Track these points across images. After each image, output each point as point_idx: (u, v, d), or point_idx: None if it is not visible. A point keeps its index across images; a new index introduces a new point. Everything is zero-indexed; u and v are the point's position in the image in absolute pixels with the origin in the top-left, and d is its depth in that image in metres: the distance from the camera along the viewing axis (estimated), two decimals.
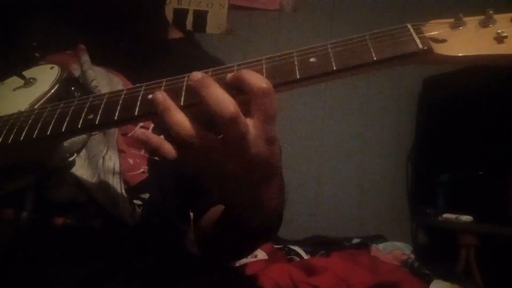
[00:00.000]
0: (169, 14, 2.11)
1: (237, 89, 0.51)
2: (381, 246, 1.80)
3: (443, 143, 1.95)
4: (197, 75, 0.52)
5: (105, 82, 0.79)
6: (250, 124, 0.50)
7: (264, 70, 0.53)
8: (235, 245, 0.75)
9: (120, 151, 0.74)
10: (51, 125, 0.58)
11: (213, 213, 0.77)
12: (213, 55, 0.99)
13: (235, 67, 0.54)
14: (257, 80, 0.50)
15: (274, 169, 0.56)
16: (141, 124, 0.77)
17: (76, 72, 0.79)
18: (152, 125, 0.78)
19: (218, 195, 0.63)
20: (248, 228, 0.63)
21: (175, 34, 0.98)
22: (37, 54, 0.83)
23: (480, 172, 1.77)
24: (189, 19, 2.18)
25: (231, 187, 0.56)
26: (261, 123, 0.50)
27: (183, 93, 0.54)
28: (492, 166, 1.74)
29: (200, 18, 2.19)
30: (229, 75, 0.51)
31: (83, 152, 0.72)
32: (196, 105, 0.53)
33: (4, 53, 0.83)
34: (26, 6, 0.90)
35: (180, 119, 0.50)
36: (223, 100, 0.49)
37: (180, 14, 2.17)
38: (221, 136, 0.50)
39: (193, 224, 0.85)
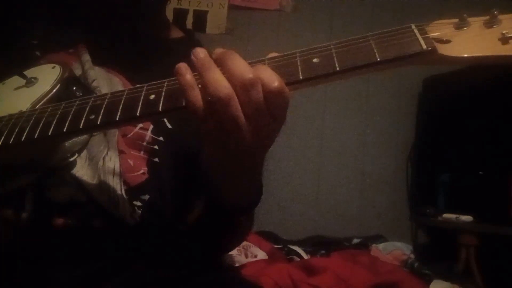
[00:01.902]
0: (169, 14, 2.10)
1: None
2: (381, 246, 1.80)
3: (443, 143, 1.95)
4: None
5: (105, 82, 0.79)
6: None
7: None
8: (219, 232, 0.76)
9: (120, 152, 0.74)
10: (53, 125, 0.58)
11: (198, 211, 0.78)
12: None
13: None
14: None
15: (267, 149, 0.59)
16: (140, 125, 0.77)
17: (77, 72, 0.79)
18: (151, 126, 0.78)
19: (216, 166, 0.63)
20: (231, 204, 0.67)
21: (175, 33, 0.98)
22: (37, 53, 0.82)
23: (480, 172, 1.77)
24: (189, 19, 2.18)
25: (235, 157, 0.57)
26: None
27: None
28: (492, 166, 1.73)
29: (200, 18, 2.18)
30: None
31: (84, 153, 0.72)
32: None
33: (5, 52, 0.83)
34: (26, 5, 0.90)
35: (220, 77, 0.51)
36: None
37: (180, 14, 2.17)
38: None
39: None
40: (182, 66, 0.53)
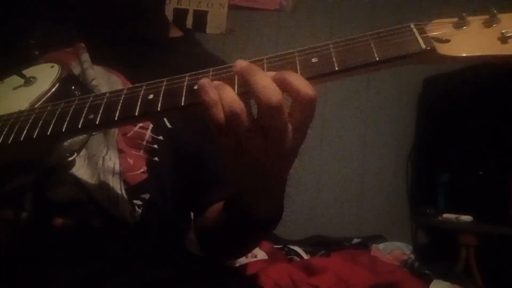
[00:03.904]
0: (169, 14, 2.11)
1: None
2: (381, 246, 1.80)
3: (443, 143, 1.95)
4: (242, 62, 0.51)
5: (104, 81, 0.79)
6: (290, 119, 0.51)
7: (265, 70, 0.52)
8: (237, 239, 0.75)
9: (120, 151, 0.74)
10: (52, 125, 0.58)
11: (213, 211, 0.77)
12: (213, 53, 0.99)
13: None
14: (305, 86, 0.49)
15: (292, 162, 0.58)
16: (140, 124, 0.77)
17: (76, 70, 0.79)
18: (151, 126, 0.78)
19: (237, 182, 0.62)
20: (254, 218, 0.64)
21: (175, 33, 0.98)
22: (36, 52, 0.82)
23: (480, 172, 1.77)
24: (189, 19, 2.18)
25: (254, 174, 0.56)
26: (299, 120, 0.51)
27: (184, 93, 0.54)
28: (492, 166, 1.74)
29: (200, 18, 2.18)
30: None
31: (83, 152, 0.72)
32: (196, 105, 0.53)
33: (4, 52, 0.83)
34: (26, 5, 0.90)
35: (234, 95, 0.50)
36: (270, 88, 0.48)
37: (180, 14, 2.17)
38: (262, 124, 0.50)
39: (193, 223, 0.85)
40: (206, 83, 0.51)
